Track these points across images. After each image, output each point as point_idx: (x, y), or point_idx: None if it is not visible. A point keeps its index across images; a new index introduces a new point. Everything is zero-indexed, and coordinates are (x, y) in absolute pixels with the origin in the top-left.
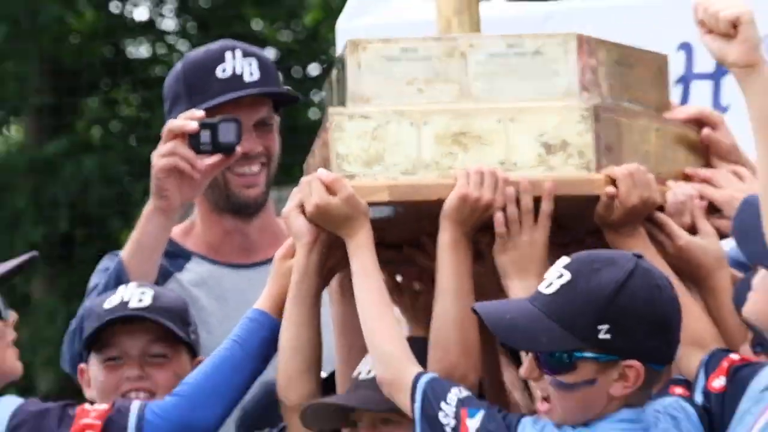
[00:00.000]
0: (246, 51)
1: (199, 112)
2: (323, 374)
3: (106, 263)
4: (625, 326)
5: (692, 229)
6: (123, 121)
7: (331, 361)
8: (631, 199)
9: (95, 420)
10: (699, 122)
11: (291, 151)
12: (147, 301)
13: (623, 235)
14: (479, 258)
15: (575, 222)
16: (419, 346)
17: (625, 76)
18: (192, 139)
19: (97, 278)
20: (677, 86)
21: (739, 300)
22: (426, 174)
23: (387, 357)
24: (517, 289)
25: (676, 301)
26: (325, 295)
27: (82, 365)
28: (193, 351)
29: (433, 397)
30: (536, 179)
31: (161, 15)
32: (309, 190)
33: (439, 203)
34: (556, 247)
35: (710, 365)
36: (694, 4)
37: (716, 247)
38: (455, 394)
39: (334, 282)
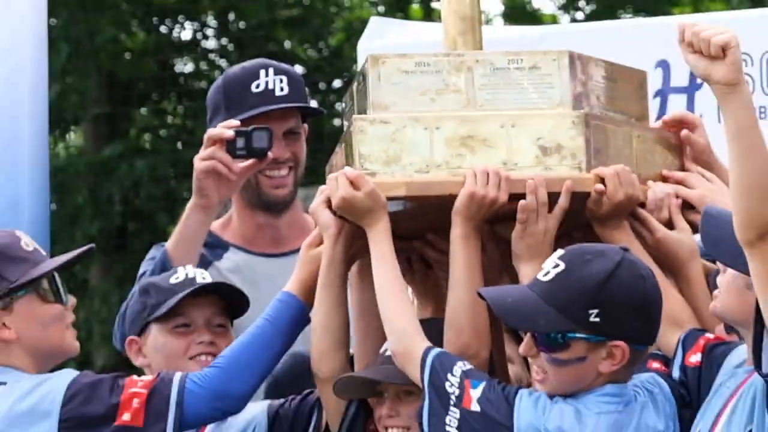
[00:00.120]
0: (278, 69)
1: (235, 122)
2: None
3: (153, 253)
4: (612, 311)
5: (669, 224)
6: (170, 128)
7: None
8: (618, 196)
9: (142, 389)
10: (678, 126)
11: (317, 155)
12: (209, 278)
13: (610, 228)
14: (482, 250)
15: (568, 216)
16: (437, 328)
17: (611, 89)
18: (229, 145)
19: (146, 266)
20: (655, 99)
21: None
22: (438, 172)
23: (400, 333)
24: (529, 271)
25: (658, 289)
26: None
27: (132, 337)
28: None
29: (440, 369)
30: (550, 176)
31: (204, 36)
32: (336, 185)
33: (449, 198)
34: None
35: (687, 342)
36: (680, 27)
37: (690, 240)
38: (460, 366)
39: (354, 269)
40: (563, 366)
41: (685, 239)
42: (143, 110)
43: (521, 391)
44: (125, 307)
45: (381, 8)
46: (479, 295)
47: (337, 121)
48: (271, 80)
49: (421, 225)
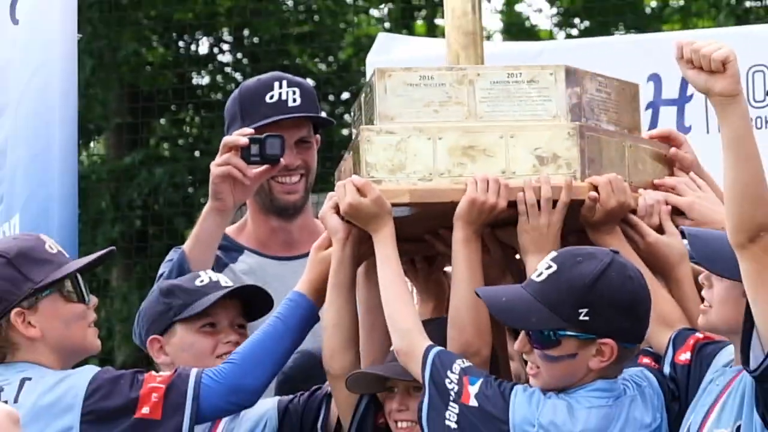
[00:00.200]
0: (291, 81)
1: (249, 130)
2: None
3: (172, 255)
4: (601, 310)
5: (660, 229)
6: (187, 137)
7: None
8: (610, 203)
9: (160, 384)
10: (666, 140)
11: (326, 163)
12: (230, 282)
13: (602, 233)
14: (486, 251)
15: (564, 221)
16: (441, 327)
17: (605, 101)
18: (243, 152)
19: (164, 267)
20: (647, 111)
21: None
22: (440, 180)
23: (403, 331)
24: (534, 263)
25: (646, 290)
26: None
27: (155, 336)
28: None
29: (441, 366)
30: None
31: (220, 50)
32: (344, 192)
33: (451, 205)
34: None
35: (677, 341)
36: (678, 45)
37: (679, 244)
38: (459, 364)
39: (361, 269)
40: (555, 362)
41: (674, 243)
42: (162, 120)
43: (516, 387)
44: (145, 306)
45: (387, 24)
46: (476, 294)
47: (345, 131)
48: (285, 92)
49: (424, 229)
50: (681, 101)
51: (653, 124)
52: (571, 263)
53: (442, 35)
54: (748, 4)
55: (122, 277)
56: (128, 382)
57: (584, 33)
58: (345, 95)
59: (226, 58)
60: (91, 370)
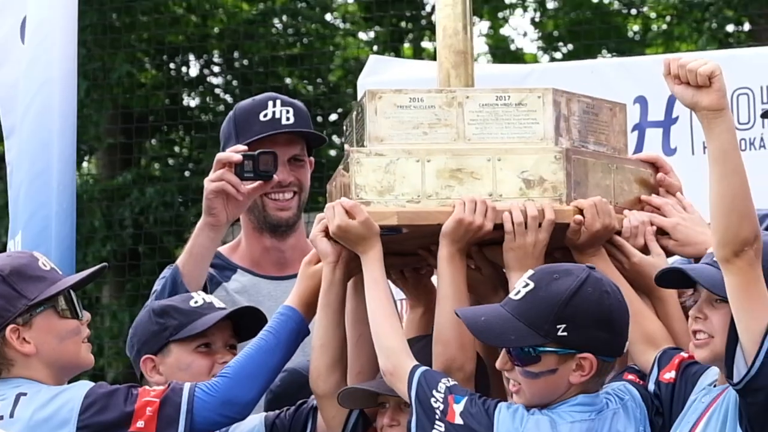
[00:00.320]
0: (284, 101)
1: (242, 147)
2: None
3: (166, 272)
4: (578, 325)
5: (644, 249)
6: (178, 157)
7: None
8: (595, 226)
9: (154, 398)
10: (653, 165)
11: (314, 183)
12: (221, 304)
13: (588, 255)
14: (477, 268)
15: (550, 241)
16: (425, 343)
17: (591, 123)
18: (237, 168)
19: (158, 284)
20: (633, 132)
21: None
22: (428, 203)
23: (390, 351)
24: (517, 280)
25: (623, 305)
26: None
27: (148, 355)
28: None
29: (426, 385)
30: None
31: (211, 72)
32: (333, 213)
33: (438, 227)
34: None
35: (662, 361)
36: (665, 62)
37: (663, 264)
38: (444, 383)
39: (350, 283)
40: (536, 378)
41: (659, 263)
42: (153, 141)
43: (500, 404)
44: (136, 326)
45: (375, 47)
46: (456, 314)
47: (333, 152)
48: (278, 110)
49: (415, 245)
50: (666, 123)
51: (639, 145)
52: (548, 280)
53: (429, 58)
54: (729, 28)
55: (113, 294)
56: (123, 397)
57: (568, 56)
58: (333, 117)
59: (215, 80)
60: (85, 385)
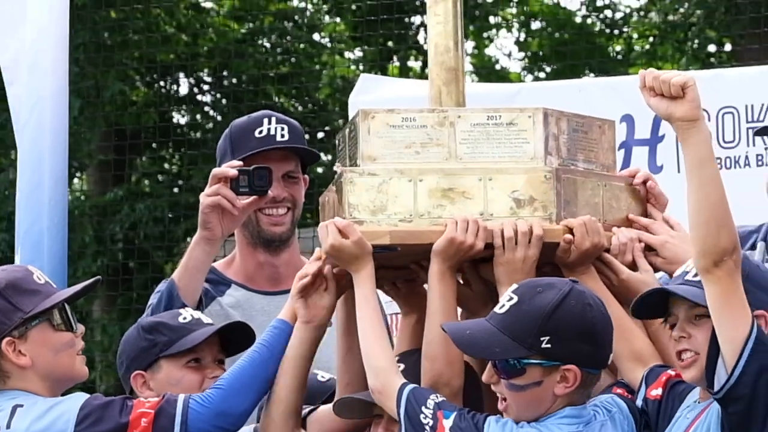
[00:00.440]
0: (279, 119)
1: (237, 162)
2: (324, 377)
3: (161, 286)
4: (561, 337)
5: (633, 266)
6: (168, 174)
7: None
8: (585, 245)
9: (149, 409)
10: (642, 183)
11: (304, 199)
12: (209, 320)
13: (577, 273)
14: (468, 284)
15: (539, 259)
16: (419, 356)
17: (581, 141)
18: (233, 183)
19: (153, 298)
20: (620, 150)
21: None
22: (420, 222)
23: (378, 370)
24: None
25: (607, 317)
26: None
27: (139, 371)
28: None
29: (415, 402)
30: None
31: (200, 90)
32: (326, 232)
33: (430, 246)
34: None
35: (650, 378)
36: (641, 74)
37: (652, 280)
38: (433, 399)
39: (341, 297)
40: (521, 391)
41: (648, 279)
42: (144, 158)
43: (489, 418)
44: (125, 343)
45: (362, 66)
46: (442, 328)
47: (320, 170)
48: (273, 127)
49: (406, 261)
50: (653, 141)
51: (626, 163)
52: (532, 294)
53: (416, 76)
54: (711, 48)
55: (104, 308)
56: (118, 408)
57: (551, 76)
58: (320, 134)
59: (205, 98)
60: (81, 397)
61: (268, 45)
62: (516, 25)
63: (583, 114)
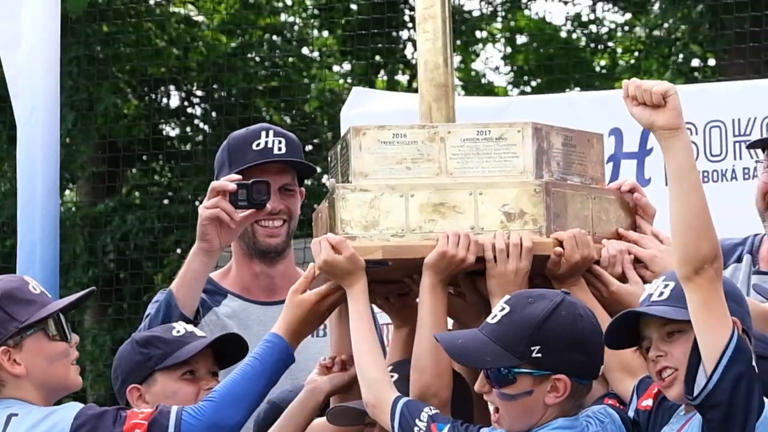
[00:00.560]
0: (277, 132)
1: (236, 176)
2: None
3: (159, 296)
4: (552, 347)
5: (622, 278)
6: (158, 186)
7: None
8: (575, 257)
9: (142, 420)
10: (630, 193)
11: None
12: (202, 333)
13: (567, 285)
14: (462, 295)
15: (530, 270)
16: (408, 368)
17: (570, 154)
18: (231, 196)
19: (151, 308)
20: (609, 163)
21: None
22: (412, 237)
23: (372, 383)
24: None
25: (597, 328)
26: None
27: (134, 385)
28: None
29: (409, 415)
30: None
31: (190, 103)
32: (319, 248)
33: (422, 260)
34: None
35: (640, 389)
36: (624, 84)
37: (641, 292)
38: (426, 412)
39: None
40: (512, 400)
41: (637, 291)
42: (134, 170)
43: (483, 429)
44: (120, 358)
45: (350, 79)
46: (435, 338)
47: (308, 181)
48: (271, 140)
49: (398, 275)
50: (641, 154)
51: (614, 176)
52: (523, 304)
53: (403, 90)
54: (695, 63)
55: (95, 318)
56: (112, 419)
57: (537, 90)
58: (309, 147)
59: (195, 111)
60: (75, 406)
61: (257, 59)
62: (502, 40)
63: (572, 128)
